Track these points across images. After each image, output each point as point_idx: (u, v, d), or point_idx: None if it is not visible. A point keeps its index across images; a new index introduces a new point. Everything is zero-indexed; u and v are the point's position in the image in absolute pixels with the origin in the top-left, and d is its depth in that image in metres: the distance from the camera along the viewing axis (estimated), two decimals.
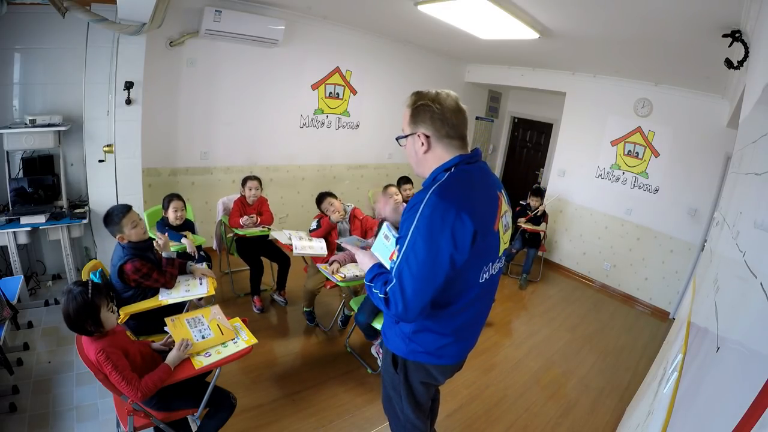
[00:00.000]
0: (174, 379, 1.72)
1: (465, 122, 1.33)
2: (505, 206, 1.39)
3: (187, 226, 3.24)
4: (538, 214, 4.79)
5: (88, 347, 1.63)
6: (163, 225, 3.10)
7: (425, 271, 1.21)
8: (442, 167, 1.31)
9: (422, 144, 1.31)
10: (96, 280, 2.19)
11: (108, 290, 1.89)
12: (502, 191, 1.41)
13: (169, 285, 2.31)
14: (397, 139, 1.40)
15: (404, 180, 4.22)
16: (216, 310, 2.08)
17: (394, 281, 1.25)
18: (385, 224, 1.56)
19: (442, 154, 1.32)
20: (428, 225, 1.20)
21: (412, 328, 1.41)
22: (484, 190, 1.33)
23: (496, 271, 1.42)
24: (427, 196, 1.22)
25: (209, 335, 1.92)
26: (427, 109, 1.29)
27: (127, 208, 2.25)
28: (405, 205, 1.41)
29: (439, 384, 1.64)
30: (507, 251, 1.46)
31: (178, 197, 3.16)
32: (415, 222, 1.21)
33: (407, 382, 1.55)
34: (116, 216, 2.19)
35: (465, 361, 1.64)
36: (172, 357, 1.75)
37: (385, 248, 1.53)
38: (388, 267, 1.40)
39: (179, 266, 2.43)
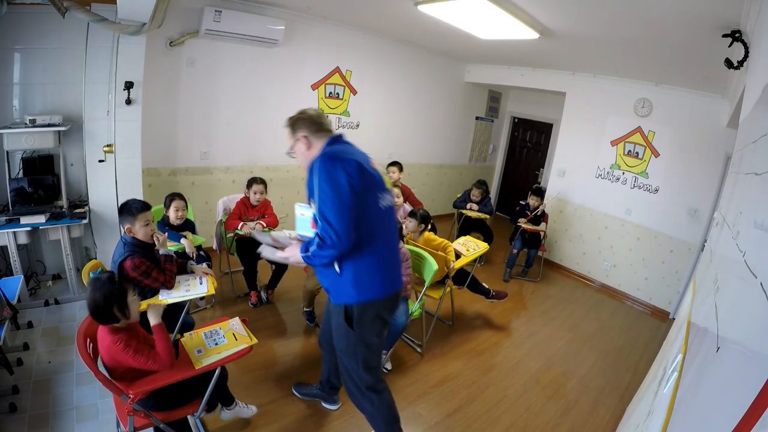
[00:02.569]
0: (174, 379, 1.72)
1: (327, 121, 1.88)
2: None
3: (188, 225, 3.23)
4: (538, 213, 4.79)
5: (104, 338, 1.66)
6: (163, 225, 3.09)
7: (336, 200, 1.61)
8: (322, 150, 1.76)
9: (305, 143, 1.81)
10: None
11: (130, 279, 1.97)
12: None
13: (169, 284, 2.29)
14: (287, 153, 1.89)
15: (392, 163, 4.50)
16: (234, 321, 2.08)
17: (320, 222, 1.64)
18: (296, 205, 1.89)
19: (319, 145, 1.80)
20: (325, 172, 1.62)
21: (354, 272, 1.74)
22: (357, 150, 1.82)
23: (390, 203, 1.84)
24: (317, 161, 1.67)
25: (222, 342, 1.93)
26: (299, 119, 1.84)
27: (147, 206, 2.32)
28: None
29: (387, 324, 1.95)
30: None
31: (180, 196, 3.15)
32: (316, 178, 1.64)
33: (362, 339, 1.84)
34: (134, 208, 2.24)
35: (401, 292, 1.97)
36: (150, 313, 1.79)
37: (305, 223, 1.82)
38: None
39: (179, 266, 2.43)
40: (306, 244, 1.77)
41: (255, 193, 3.44)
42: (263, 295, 3.64)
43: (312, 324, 3.34)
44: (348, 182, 1.62)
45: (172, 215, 3.10)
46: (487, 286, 3.73)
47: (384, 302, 1.83)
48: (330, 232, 1.61)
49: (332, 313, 1.93)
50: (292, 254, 1.85)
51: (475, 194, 4.96)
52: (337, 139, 1.83)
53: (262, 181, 3.49)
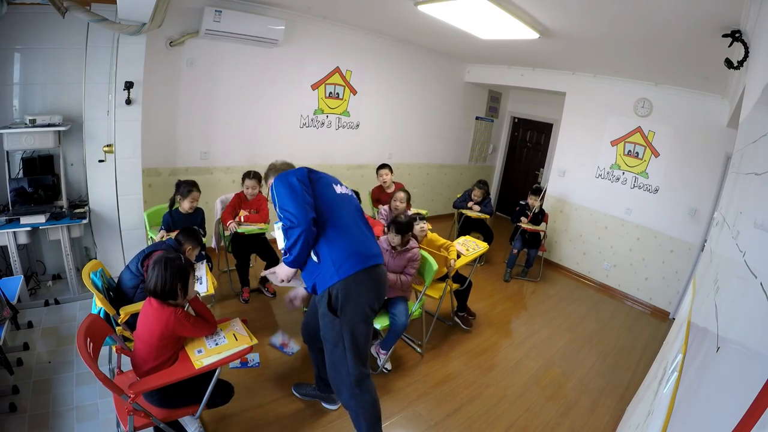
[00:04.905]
0: (175, 379, 1.72)
1: (290, 164, 2.25)
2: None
3: (198, 213, 3.30)
4: (536, 211, 4.78)
5: (160, 311, 1.77)
6: (170, 216, 3.14)
7: (290, 192, 1.89)
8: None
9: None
10: (97, 281, 2.19)
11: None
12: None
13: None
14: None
15: (381, 166, 4.51)
16: (235, 322, 2.09)
17: (281, 214, 1.89)
18: (274, 224, 2.08)
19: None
20: (278, 181, 1.94)
21: (329, 253, 1.90)
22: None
23: (348, 192, 2.14)
24: (273, 184, 1.97)
25: (223, 342, 1.93)
26: (270, 170, 2.25)
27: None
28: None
29: (374, 312, 2.01)
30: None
31: (197, 188, 3.22)
32: (274, 191, 1.94)
33: (349, 325, 1.91)
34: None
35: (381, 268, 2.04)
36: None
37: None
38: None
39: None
40: (284, 252, 1.96)
41: (248, 188, 3.50)
42: (267, 293, 3.69)
43: None
44: (297, 179, 1.92)
45: (187, 206, 3.17)
46: (469, 309, 3.72)
47: (364, 278, 1.91)
48: (290, 216, 1.86)
49: (318, 305, 1.98)
50: (279, 269, 2.02)
51: (477, 194, 4.96)
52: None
53: (256, 176, 3.52)
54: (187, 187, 3.17)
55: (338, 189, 2.09)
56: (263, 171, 2.43)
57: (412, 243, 2.94)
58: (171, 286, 1.77)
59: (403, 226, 2.84)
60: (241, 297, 3.60)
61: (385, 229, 2.99)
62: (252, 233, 3.42)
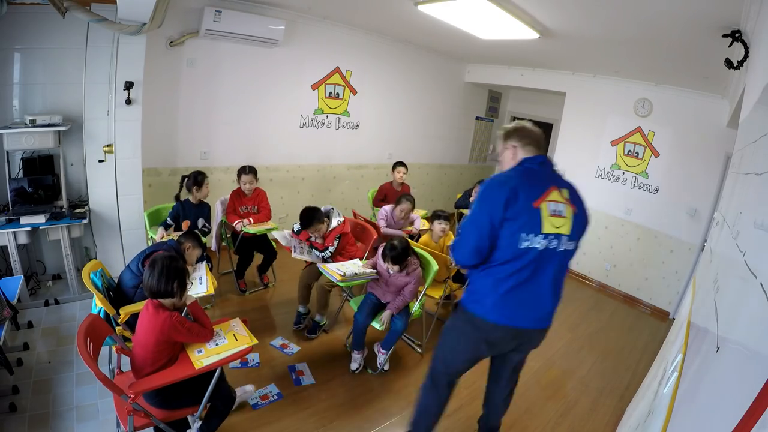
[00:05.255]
0: (175, 379, 1.72)
1: (542, 137, 1.82)
2: (557, 196, 1.70)
3: (205, 206, 3.40)
4: None
5: (156, 315, 1.75)
6: (181, 206, 3.25)
7: (472, 222, 1.69)
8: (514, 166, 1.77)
9: (511, 152, 1.79)
10: (97, 281, 2.19)
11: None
12: (563, 188, 1.75)
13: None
14: (492, 153, 2.32)
15: (399, 163, 4.54)
16: (235, 322, 2.09)
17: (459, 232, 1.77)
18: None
19: (519, 157, 1.77)
20: (479, 197, 1.70)
21: (470, 281, 1.81)
22: (533, 180, 1.70)
23: (547, 247, 1.66)
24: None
25: (223, 342, 1.93)
26: (516, 130, 1.82)
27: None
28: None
29: (481, 354, 1.91)
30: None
31: (205, 179, 3.33)
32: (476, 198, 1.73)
33: (455, 329, 1.90)
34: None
35: (517, 340, 1.83)
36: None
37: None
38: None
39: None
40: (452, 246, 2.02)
41: (245, 184, 3.55)
42: (260, 281, 3.86)
43: (296, 326, 3.26)
44: (488, 215, 1.66)
45: (205, 191, 3.33)
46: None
47: (482, 325, 1.82)
48: (456, 242, 1.81)
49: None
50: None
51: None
52: (533, 162, 1.76)
53: (251, 170, 3.56)
54: (200, 176, 3.30)
55: (528, 242, 1.71)
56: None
57: (412, 266, 2.78)
58: (167, 285, 1.77)
59: (399, 256, 2.64)
60: (238, 288, 3.72)
61: (381, 254, 2.80)
62: (260, 233, 3.49)
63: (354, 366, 2.87)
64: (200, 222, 3.31)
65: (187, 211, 3.27)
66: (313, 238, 3.15)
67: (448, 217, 3.43)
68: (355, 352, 2.88)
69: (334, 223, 3.14)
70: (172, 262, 1.81)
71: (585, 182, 5.32)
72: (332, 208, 3.23)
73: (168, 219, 3.22)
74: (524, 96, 7.20)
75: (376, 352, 2.93)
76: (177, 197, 3.31)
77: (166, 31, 3.55)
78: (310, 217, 3.02)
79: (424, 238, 3.50)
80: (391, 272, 2.73)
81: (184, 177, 3.34)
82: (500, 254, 1.67)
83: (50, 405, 2.26)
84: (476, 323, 1.77)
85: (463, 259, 1.76)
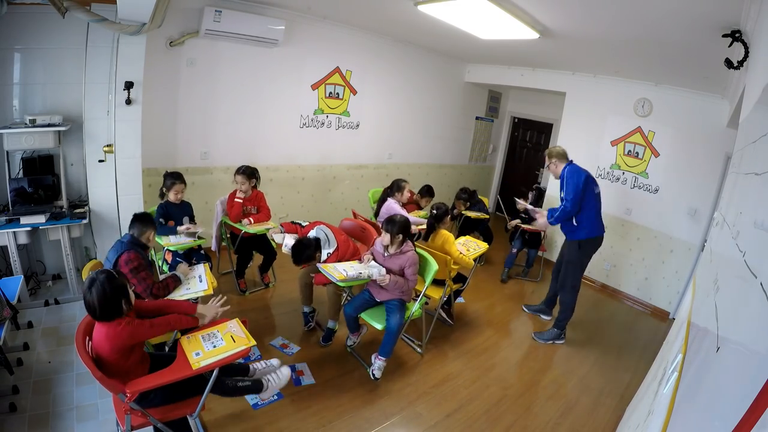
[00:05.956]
0: (172, 379, 1.72)
1: (566, 153, 3.51)
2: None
3: (186, 205, 3.34)
4: (521, 212, 4.75)
5: (109, 330, 1.68)
6: (164, 207, 3.20)
7: (573, 189, 3.29)
8: (565, 166, 3.44)
9: (556, 165, 3.49)
10: None
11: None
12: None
13: (159, 292, 2.31)
14: (546, 166, 3.58)
15: (426, 190, 4.82)
16: (232, 324, 2.07)
17: (563, 198, 3.42)
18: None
19: (561, 165, 3.47)
20: (569, 176, 3.35)
21: (579, 227, 3.42)
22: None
23: (599, 191, 3.46)
24: (567, 171, 3.39)
25: (221, 344, 1.92)
26: (555, 153, 3.50)
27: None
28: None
29: (589, 257, 3.58)
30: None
31: (181, 180, 3.24)
32: (566, 178, 3.37)
33: (582, 259, 3.52)
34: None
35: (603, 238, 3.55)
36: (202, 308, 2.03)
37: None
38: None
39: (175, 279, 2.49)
40: (550, 214, 3.49)
41: (236, 184, 3.52)
42: (261, 281, 3.86)
43: (307, 326, 3.27)
44: (584, 180, 3.29)
45: (173, 197, 3.22)
46: (452, 313, 3.69)
47: (596, 240, 3.51)
48: (567, 202, 3.32)
49: (568, 247, 3.62)
50: (542, 220, 3.62)
51: (459, 207, 4.93)
52: (570, 162, 3.46)
53: (243, 171, 3.51)
54: (171, 179, 3.22)
55: (597, 189, 3.42)
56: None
57: (407, 246, 2.81)
58: (114, 303, 1.67)
59: (395, 224, 2.69)
60: (238, 288, 3.71)
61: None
62: (260, 233, 3.47)
63: (349, 342, 3.10)
64: (185, 220, 3.24)
65: (170, 214, 3.21)
66: None
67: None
68: (351, 335, 3.08)
69: (324, 255, 2.97)
70: (110, 283, 1.68)
71: None
72: (323, 235, 3.02)
73: (162, 221, 3.15)
74: (524, 96, 7.20)
75: (373, 361, 2.83)
76: (161, 193, 3.27)
77: (166, 31, 3.55)
78: (299, 256, 2.87)
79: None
80: (386, 255, 2.81)
81: (166, 174, 3.27)
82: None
83: (50, 405, 2.26)
84: (594, 241, 3.48)
85: (573, 209, 3.32)
